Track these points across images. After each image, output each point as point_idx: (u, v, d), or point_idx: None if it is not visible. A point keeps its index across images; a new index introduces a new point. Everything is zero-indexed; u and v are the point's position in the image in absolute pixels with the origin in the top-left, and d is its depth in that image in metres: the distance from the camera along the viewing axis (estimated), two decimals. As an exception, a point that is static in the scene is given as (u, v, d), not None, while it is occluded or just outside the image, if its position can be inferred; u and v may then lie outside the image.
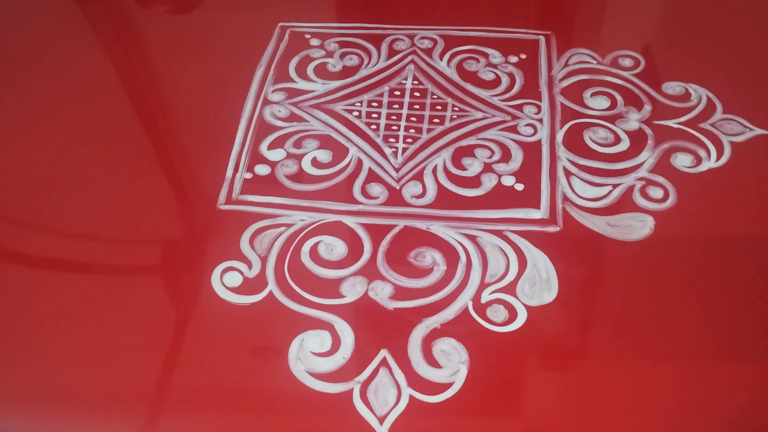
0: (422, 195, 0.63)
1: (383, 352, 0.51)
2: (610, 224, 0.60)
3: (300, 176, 0.65)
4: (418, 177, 0.64)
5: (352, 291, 0.55)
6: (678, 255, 0.58)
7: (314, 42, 0.80)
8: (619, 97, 0.72)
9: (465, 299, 0.54)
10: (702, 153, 0.65)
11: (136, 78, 0.78)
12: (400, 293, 0.55)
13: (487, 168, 0.65)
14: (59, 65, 0.77)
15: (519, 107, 0.71)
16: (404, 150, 0.67)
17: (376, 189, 0.63)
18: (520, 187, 0.63)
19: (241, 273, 0.56)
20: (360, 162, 0.66)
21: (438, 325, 0.53)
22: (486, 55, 0.78)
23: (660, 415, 0.48)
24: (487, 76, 0.75)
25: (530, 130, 0.69)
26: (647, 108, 0.70)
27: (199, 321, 0.54)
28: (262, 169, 0.65)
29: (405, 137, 0.68)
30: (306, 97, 0.73)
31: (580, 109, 0.71)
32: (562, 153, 0.66)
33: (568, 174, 0.64)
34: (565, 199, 0.62)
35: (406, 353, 0.51)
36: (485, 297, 0.55)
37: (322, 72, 0.76)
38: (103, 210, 0.62)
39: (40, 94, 0.74)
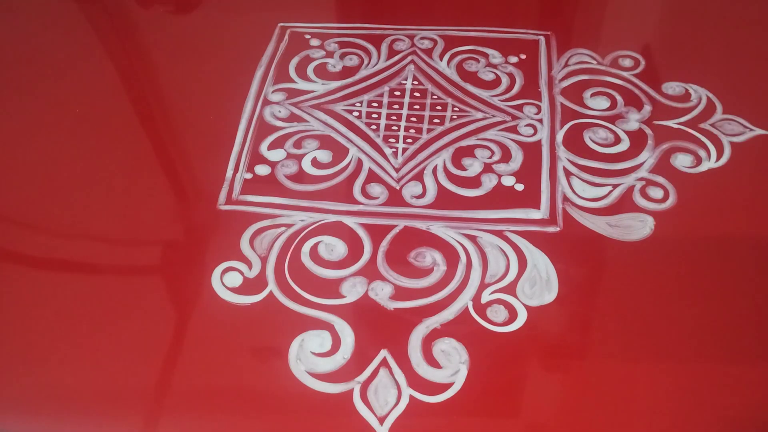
0: (422, 195, 0.63)
1: (383, 353, 0.51)
2: (610, 224, 0.60)
3: (300, 176, 0.65)
4: (418, 177, 0.64)
5: (353, 291, 0.55)
6: (678, 255, 0.58)
7: (314, 42, 0.80)
8: (619, 98, 0.72)
9: (465, 299, 0.54)
10: (702, 153, 0.65)
11: (136, 78, 0.78)
12: (400, 293, 0.55)
13: (487, 168, 0.65)
14: (59, 65, 0.77)
15: (519, 107, 0.71)
16: (404, 150, 0.67)
17: (376, 189, 0.63)
18: (520, 187, 0.63)
19: (241, 273, 0.56)
20: (360, 162, 0.66)
21: (438, 325, 0.53)
22: (486, 56, 0.78)
23: (660, 414, 0.48)
24: (487, 76, 0.75)
25: (530, 131, 0.69)
26: (647, 108, 0.70)
27: (199, 321, 0.54)
28: (262, 170, 0.65)
29: (405, 137, 0.68)
30: (306, 98, 0.73)
31: (580, 109, 0.71)
32: (562, 153, 0.66)
33: (568, 174, 0.64)
34: (565, 199, 0.62)
35: (406, 353, 0.51)
36: (485, 297, 0.55)
37: (322, 72, 0.76)
38: (103, 210, 0.62)
39: (40, 94, 0.74)
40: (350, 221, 0.60)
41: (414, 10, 0.84)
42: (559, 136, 0.68)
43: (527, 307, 0.54)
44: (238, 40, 0.81)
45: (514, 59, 0.77)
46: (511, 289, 0.55)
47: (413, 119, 0.70)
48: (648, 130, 0.68)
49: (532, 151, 0.67)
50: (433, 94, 0.73)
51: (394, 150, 0.67)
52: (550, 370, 0.51)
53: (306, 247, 0.58)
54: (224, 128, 0.69)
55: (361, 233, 0.59)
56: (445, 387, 0.49)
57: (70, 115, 0.71)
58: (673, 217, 0.60)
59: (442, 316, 0.53)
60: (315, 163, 0.66)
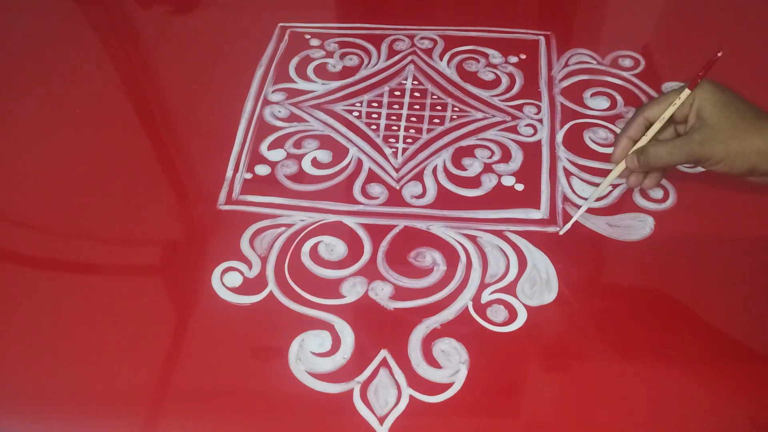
0: (422, 195, 0.63)
1: (383, 353, 0.51)
2: (610, 224, 0.60)
3: (300, 176, 0.65)
4: (418, 177, 0.64)
5: (353, 291, 0.55)
6: (678, 255, 0.58)
7: (314, 42, 0.80)
8: (619, 98, 0.72)
9: (465, 299, 0.54)
10: (702, 153, 0.65)
11: (136, 78, 0.78)
12: (400, 293, 0.55)
13: (487, 168, 0.65)
14: (59, 65, 0.77)
15: (519, 107, 0.71)
16: (404, 150, 0.67)
17: (376, 189, 0.63)
18: (520, 187, 0.63)
19: (241, 273, 0.56)
20: (360, 162, 0.66)
21: (438, 325, 0.53)
22: (486, 56, 0.78)
23: (660, 414, 0.48)
24: (487, 76, 0.75)
25: (530, 131, 0.69)
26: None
27: (199, 321, 0.54)
28: (262, 170, 0.65)
29: (405, 137, 0.68)
30: (306, 98, 0.73)
31: (580, 109, 0.71)
32: (562, 153, 0.66)
33: (568, 174, 0.64)
34: (565, 199, 0.62)
35: (406, 353, 0.51)
36: (485, 297, 0.55)
37: (322, 72, 0.76)
38: (103, 210, 0.62)
39: (41, 94, 0.74)
40: (350, 221, 0.60)
41: (414, 10, 0.84)
42: (559, 136, 0.68)
43: (527, 307, 0.54)
44: (238, 40, 0.81)
45: (514, 59, 0.77)
46: (511, 289, 0.55)
47: (413, 119, 0.70)
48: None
49: (532, 151, 0.67)
50: (433, 94, 0.73)
51: (394, 150, 0.67)
52: (549, 370, 0.51)
53: (306, 247, 0.58)
54: (224, 128, 0.69)
55: (361, 233, 0.59)
56: (445, 387, 0.49)
57: (70, 116, 0.71)
58: (673, 217, 0.60)
59: (442, 316, 0.53)
60: (315, 163, 0.66)
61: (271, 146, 0.67)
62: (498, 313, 0.54)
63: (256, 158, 0.66)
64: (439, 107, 0.71)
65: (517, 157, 0.66)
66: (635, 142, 0.54)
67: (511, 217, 0.60)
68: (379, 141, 0.68)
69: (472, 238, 0.59)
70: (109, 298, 0.55)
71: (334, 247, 0.58)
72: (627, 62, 0.76)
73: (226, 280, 0.56)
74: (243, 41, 0.80)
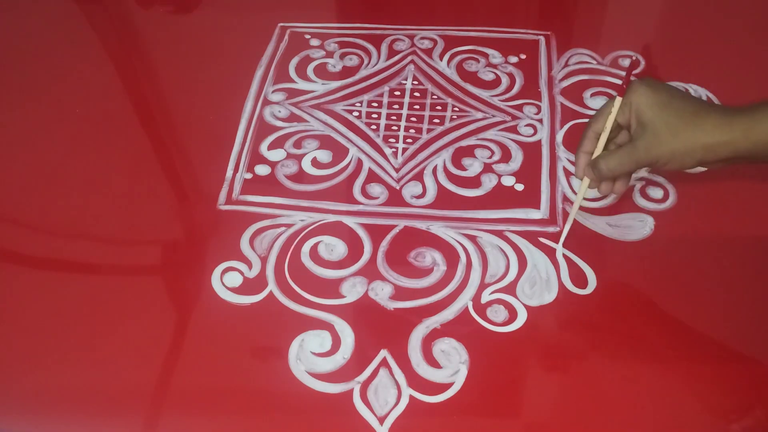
0: (422, 195, 0.63)
1: (383, 353, 0.51)
2: (610, 224, 0.60)
3: (300, 176, 0.65)
4: (418, 177, 0.64)
5: (352, 291, 0.55)
6: (678, 255, 0.58)
7: (314, 42, 0.80)
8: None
9: (465, 299, 0.54)
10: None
11: (136, 78, 0.78)
12: (400, 293, 0.55)
13: (487, 168, 0.65)
14: (60, 65, 0.77)
15: (519, 107, 0.71)
16: (404, 150, 0.67)
17: (376, 189, 0.63)
18: (520, 187, 0.63)
19: (241, 273, 0.56)
20: (360, 162, 0.66)
21: (438, 325, 0.53)
22: (486, 56, 0.78)
23: (659, 414, 0.48)
24: (487, 76, 0.75)
25: (530, 131, 0.69)
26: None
27: (199, 321, 0.54)
28: (262, 170, 0.65)
29: (405, 137, 0.68)
30: (306, 98, 0.73)
31: (580, 109, 0.71)
32: (562, 153, 0.66)
33: (568, 174, 0.64)
34: (565, 199, 0.62)
35: (406, 353, 0.51)
36: (485, 297, 0.55)
37: (322, 72, 0.76)
38: (103, 210, 0.62)
39: (41, 94, 0.74)
40: (350, 221, 0.60)
41: (414, 10, 0.84)
42: (559, 136, 0.68)
43: (527, 307, 0.54)
44: (238, 40, 0.81)
45: (514, 59, 0.77)
46: (511, 289, 0.55)
47: (413, 119, 0.70)
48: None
49: (532, 151, 0.67)
50: (433, 94, 0.73)
51: (394, 150, 0.67)
52: (549, 370, 0.51)
53: (306, 247, 0.58)
54: (224, 128, 0.69)
55: (361, 233, 0.59)
56: (445, 387, 0.49)
57: (70, 116, 0.71)
58: (673, 217, 0.60)
59: (442, 316, 0.53)
60: (315, 163, 0.66)
61: (271, 146, 0.67)
62: (498, 313, 0.54)
63: (256, 158, 0.66)
64: (439, 107, 0.71)
65: (517, 157, 0.66)
66: (591, 154, 0.54)
67: (511, 217, 0.60)
68: (379, 141, 0.68)
69: (472, 238, 0.59)
70: (109, 298, 0.55)
71: (334, 247, 0.58)
72: (627, 62, 0.76)
73: (226, 280, 0.56)
74: (243, 41, 0.80)
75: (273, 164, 0.66)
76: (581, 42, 0.79)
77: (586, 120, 0.69)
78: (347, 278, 0.56)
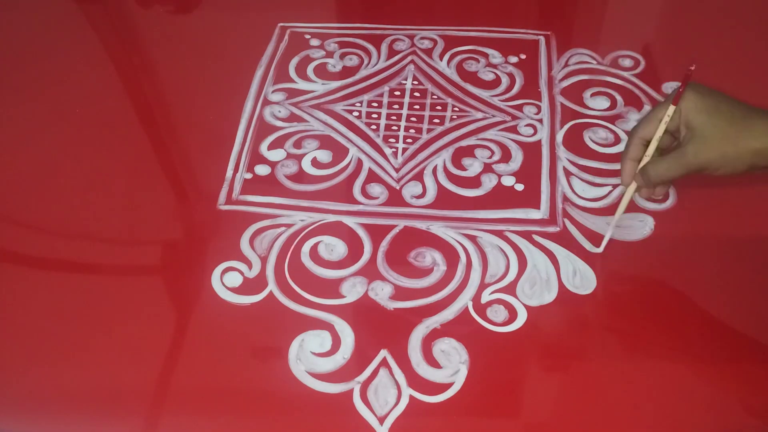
0: (422, 195, 0.63)
1: (383, 353, 0.51)
2: (609, 224, 0.60)
3: (300, 176, 0.65)
4: (418, 177, 0.64)
5: (352, 291, 0.55)
6: (678, 255, 0.58)
7: (314, 42, 0.80)
8: (619, 98, 0.72)
9: (465, 299, 0.54)
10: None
11: (136, 78, 0.78)
12: (400, 293, 0.55)
13: (487, 168, 0.65)
14: (59, 65, 0.77)
15: (519, 107, 0.71)
16: (404, 150, 0.67)
17: (376, 189, 0.63)
18: (520, 187, 0.63)
19: (241, 273, 0.56)
20: (360, 162, 0.66)
21: (438, 325, 0.53)
22: (486, 56, 0.78)
23: (659, 414, 0.48)
24: (487, 76, 0.75)
25: (530, 131, 0.69)
26: (647, 108, 0.70)
27: (199, 321, 0.54)
28: (262, 169, 0.65)
29: (405, 137, 0.68)
30: (306, 98, 0.73)
31: (580, 109, 0.71)
32: (562, 153, 0.66)
33: (568, 174, 0.64)
34: (565, 199, 0.62)
35: (406, 353, 0.51)
36: (485, 297, 0.55)
37: (322, 72, 0.76)
38: (103, 210, 0.62)
39: (41, 94, 0.74)
40: (350, 221, 0.60)
41: (414, 10, 0.84)
42: (559, 136, 0.68)
43: (527, 307, 0.54)
44: (238, 40, 0.81)
45: (514, 59, 0.77)
46: (511, 289, 0.55)
47: (413, 119, 0.70)
48: (648, 130, 0.68)
49: (532, 151, 0.67)
50: (433, 94, 0.73)
51: (394, 150, 0.67)
52: (549, 370, 0.51)
53: (306, 247, 0.58)
54: (224, 128, 0.69)
55: (361, 233, 0.59)
56: (445, 387, 0.49)
57: (70, 116, 0.71)
58: (673, 217, 0.60)
59: (442, 316, 0.53)
60: (315, 163, 0.66)
61: (271, 146, 0.67)
62: (498, 313, 0.54)
63: (256, 158, 0.66)
64: (439, 107, 0.71)
65: (517, 157, 0.66)
66: (638, 161, 0.55)
67: (511, 217, 0.60)
68: (379, 141, 0.68)
69: (472, 238, 0.59)
70: (109, 298, 0.55)
71: (334, 247, 0.58)
72: (627, 62, 0.76)
73: (226, 280, 0.56)
74: (243, 41, 0.80)
75: (273, 164, 0.66)
76: (581, 42, 0.79)
77: (586, 120, 0.69)
78: (347, 278, 0.56)
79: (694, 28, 0.82)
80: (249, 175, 0.65)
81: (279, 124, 0.70)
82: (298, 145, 0.68)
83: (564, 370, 0.51)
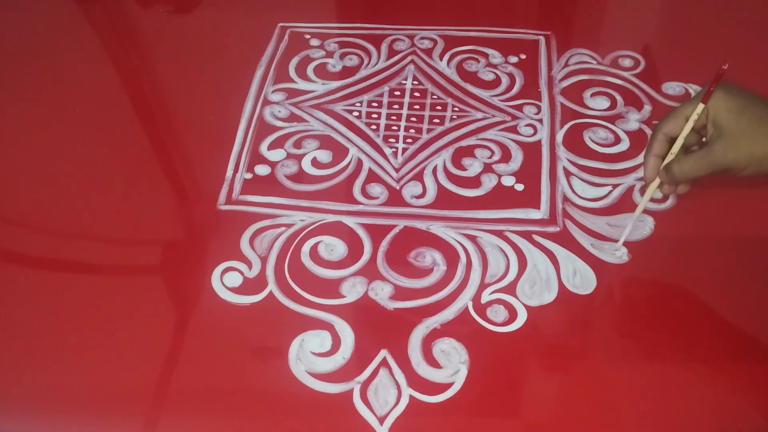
0: (422, 195, 0.63)
1: (383, 353, 0.51)
2: (610, 224, 0.60)
3: (300, 176, 0.65)
4: (418, 177, 0.64)
5: (352, 291, 0.55)
6: (678, 255, 0.58)
7: (314, 42, 0.80)
8: (619, 98, 0.72)
9: (465, 299, 0.54)
10: (702, 153, 0.65)
11: (136, 78, 0.78)
12: (400, 293, 0.55)
13: (487, 168, 0.65)
14: (59, 65, 0.77)
15: (519, 107, 0.71)
16: (404, 150, 0.67)
17: (376, 189, 0.63)
18: (520, 187, 0.63)
19: (241, 273, 0.56)
20: (360, 162, 0.66)
21: (438, 325, 0.53)
22: (486, 56, 0.78)
23: (660, 414, 0.48)
24: (487, 76, 0.75)
25: (530, 131, 0.69)
26: (647, 108, 0.70)
27: (199, 321, 0.54)
28: (262, 169, 0.65)
29: (405, 137, 0.68)
30: (306, 98, 0.73)
31: (580, 109, 0.71)
32: (562, 153, 0.66)
33: (568, 174, 0.64)
34: (565, 199, 0.62)
35: (406, 353, 0.51)
36: (485, 297, 0.55)
37: (322, 72, 0.76)
38: (103, 210, 0.62)
39: (41, 94, 0.74)
40: (350, 221, 0.60)
41: (414, 10, 0.84)
42: (559, 136, 0.68)
43: (527, 307, 0.54)
44: (238, 40, 0.81)
45: (514, 59, 0.77)
46: (511, 289, 0.55)
47: (413, 119, 0.70)
48: (648, 130, 0.68)
49: (532, 151, 0.67)
50: (433, 94, 0.73)
51: (394, 150, 0.67)
52: (549, 370, 0.51)
53: (306, 247, 0.58)
54: (224, 128, 0.69)
55: (361, 233, 0.59)
56: (445, 387, 0.49)
57: (70, 115, 0.71)
58: (673, 217, 0.60)
59: (442, 316, 0.53)
60: (315, 163, 0.66)
61: (271, 146, 0.67)
62: (498, 313, 0.54)
63: (256, 158, 0.66)
64: (439, 107, 0.71)
65: (517, 157, 0.66)
66: (662, 158, 0.54)
67: (511, 217, 0.60)
68: (379, 141, 0.68)
69: (472, 238, 0.59)
70: (109, 298, 0.55)
71: (334, 247, 0.58)
72: (627, 62, 0.76)
73: (226, 280, 0.56)
74: (243, 41, 0.80)
75: (273, 164, 0.66)
76: (581, 42, 0.79)
77: (586, 120, 0.69)
78: (347, 278, 0.56)
79: (694, 28, 0.82)
80: (249, 175, 0.65)
81: (279, 124, 0.70)
82: (298, 145, 0.68)
83: (564, 370, 0.51)
